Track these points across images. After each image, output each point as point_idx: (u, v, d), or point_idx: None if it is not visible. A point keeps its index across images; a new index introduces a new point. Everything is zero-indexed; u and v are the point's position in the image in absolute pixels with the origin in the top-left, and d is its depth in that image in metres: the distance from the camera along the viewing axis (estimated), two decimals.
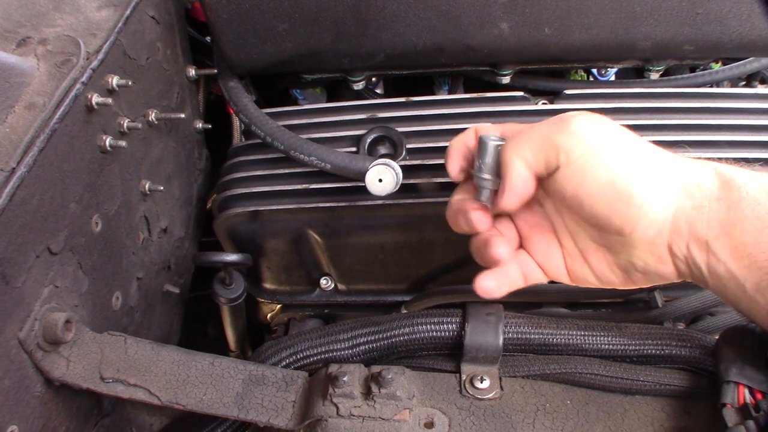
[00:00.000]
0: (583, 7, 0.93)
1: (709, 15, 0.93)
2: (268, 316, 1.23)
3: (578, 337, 0.86)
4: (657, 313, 0.96)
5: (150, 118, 0.97)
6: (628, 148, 0.67)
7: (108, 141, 0.85)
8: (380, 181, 0.89)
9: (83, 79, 0.79)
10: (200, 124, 1.14)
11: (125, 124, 0.89)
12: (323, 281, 1.14)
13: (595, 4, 0.93)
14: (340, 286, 1.15)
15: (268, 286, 1.17)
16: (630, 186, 0.66)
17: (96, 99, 0.81)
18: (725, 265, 0.66)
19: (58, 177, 0.76)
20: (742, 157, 0.94)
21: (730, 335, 0.82)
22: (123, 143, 0.86)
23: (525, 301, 1.05)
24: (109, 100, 0.82)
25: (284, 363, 0.88)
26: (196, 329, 1.45)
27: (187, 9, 1.13)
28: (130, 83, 0.87)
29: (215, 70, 1.07)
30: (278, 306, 1.20)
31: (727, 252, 0.66)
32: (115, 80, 0.85)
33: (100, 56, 0.81)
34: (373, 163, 0.90)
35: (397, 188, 0.90)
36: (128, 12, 0.88)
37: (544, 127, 0.69)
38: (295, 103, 1.22)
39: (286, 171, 1.02)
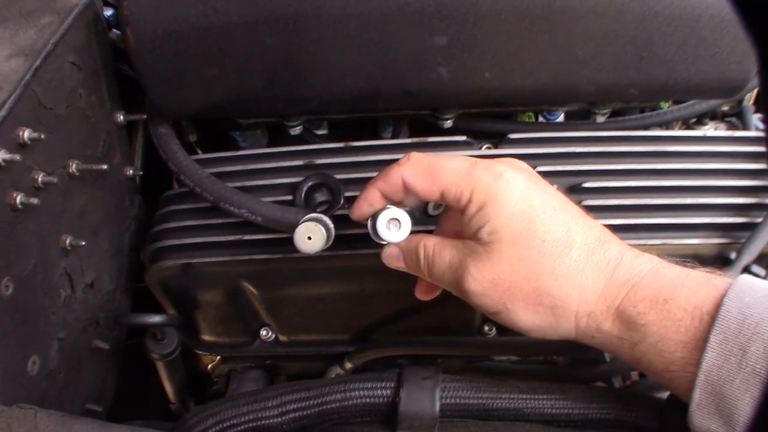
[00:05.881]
0: (524, 52, 0.90)
1: (654, 59, 0.90)
2: (209, 366, 1.17)
3: (519, 401, 0.81)
4: (605, 368, 0.92)
5: (71, 170, 0.91)
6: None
7: (19, 198, 0.80)
8: (309, 238, 0.84)
9: None
10: (131, 171, 1.08)
11: (40, 179, 0.84)
12: (263, 332, 1.09)
13: (535, 48, 0.89)
14: (281, 337, 1.10)
15: (206, 337, 1.11)
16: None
17: (3, 156, 0.76)
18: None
19: None
20: (690, 204, 0.92)
21: (675, 398, 0.79)
22: (36, 201, 0.81)
23: (471, 355, 1.00)
24: (17, 157, 0.77)
25: None
26: (139, 377, 1.39)
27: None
28: (42, 136, 0.81)
29: (144, 116, 1.02)
30: (218, 357, 1.15)
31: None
32: (26, 133, 0.80)
33: (3, 112, 0.76)
34: (303, 219, 0.85)
35: (329, 245, 0.85)
36: (38, 61, 0.82)
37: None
38: (236, 145, 1.17)
39: (220, 221, 0.97)
